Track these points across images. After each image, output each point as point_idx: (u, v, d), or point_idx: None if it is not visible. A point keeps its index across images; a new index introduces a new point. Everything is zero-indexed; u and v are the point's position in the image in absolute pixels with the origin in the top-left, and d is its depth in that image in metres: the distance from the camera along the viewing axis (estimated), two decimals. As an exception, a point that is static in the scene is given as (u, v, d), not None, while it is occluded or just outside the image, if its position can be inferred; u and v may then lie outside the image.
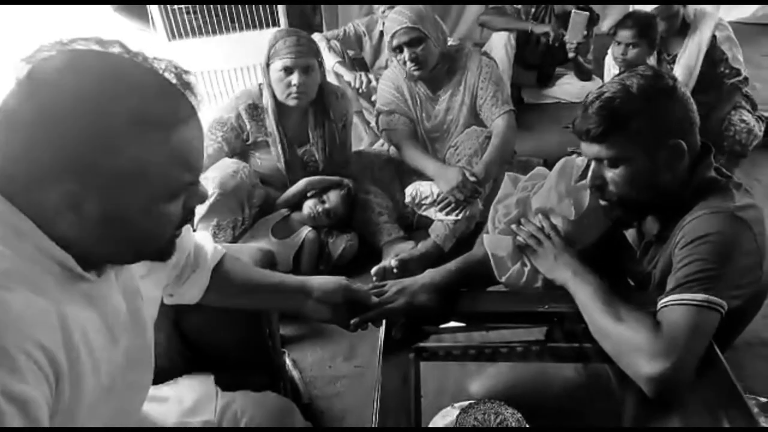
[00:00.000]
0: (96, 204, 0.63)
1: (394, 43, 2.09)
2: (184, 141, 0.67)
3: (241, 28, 2.67)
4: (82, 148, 0.61)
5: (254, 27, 2.68)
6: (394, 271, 1.88)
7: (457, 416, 0.86)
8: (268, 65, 1.95)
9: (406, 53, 2.08)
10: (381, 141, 2.50)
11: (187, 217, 0.75)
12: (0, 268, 0.61)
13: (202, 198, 0.75)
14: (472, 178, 2.03)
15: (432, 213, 2.15)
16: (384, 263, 1.93)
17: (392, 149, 2.32)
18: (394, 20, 2.07)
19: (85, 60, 0.65)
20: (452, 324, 1.17)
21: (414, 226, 2.28)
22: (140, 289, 0.83)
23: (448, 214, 2.09)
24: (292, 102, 1.97)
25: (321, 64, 2.01)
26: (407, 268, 1.90)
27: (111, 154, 0.62)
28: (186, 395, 1.06)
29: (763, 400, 1.25)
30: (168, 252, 0.77)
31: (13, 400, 0.56)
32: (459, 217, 2.09)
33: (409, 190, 2.17)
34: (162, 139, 0.65)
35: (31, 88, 0.62)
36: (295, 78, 1.92)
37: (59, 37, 0.70)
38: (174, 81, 0.70)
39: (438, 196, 2.10)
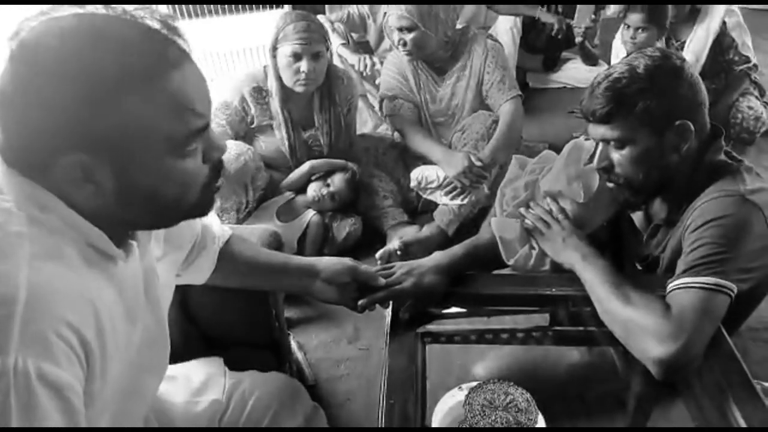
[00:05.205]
0: (108, 171, 0.62)
1: (389, 25, 2.06)
2: (179, 86, 0.63)
3: (244, 10, 2.65)
4: (77, 116, 0.59)
5: (257, 8, 2.65)
6: (398, 253, 1.87)
7: (466, 396, 0.86)
8: (275, 48, 1.92)
9: (396, 36, 2.06)
10: (385, 125, 2.48)
11: (215, 172, 0.72)
12: (27, 251, 0.60)
13: (221, 148, 0.72)
14: (478, 163, 2.01)
15: (437, 197, 2.14)
16: (389, 247, 1.92)
17: (396, 134, 2.31)
18: (393, 5, 2.05)
19: (63, 24, 0.62)
20: (453, 310, 1.17)
21: (418, 210, 2.27)
22: (157, 271, 0.83)
23: (453, 198, 2.08)
24: (299, 88, 1.95)
25: (329, 49, 1.99)
26: (411, 251, 1.90)
27: (106, 115, 0.59)
28: (194, 375, 1.06)
29: (767, 384, 1.25)
30: (207, 207, 0.75)
31: (49, 384, 0.56)
32: (464, 201, 2.08)
33: (415, 174, 2.15)
34: (154, 89, 0.61)
35: (16, 64, 0.60)
36: (304, 65, 1.89)
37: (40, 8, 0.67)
38: (159, 27, 0.66)
39: (443, 180, 2.08)
